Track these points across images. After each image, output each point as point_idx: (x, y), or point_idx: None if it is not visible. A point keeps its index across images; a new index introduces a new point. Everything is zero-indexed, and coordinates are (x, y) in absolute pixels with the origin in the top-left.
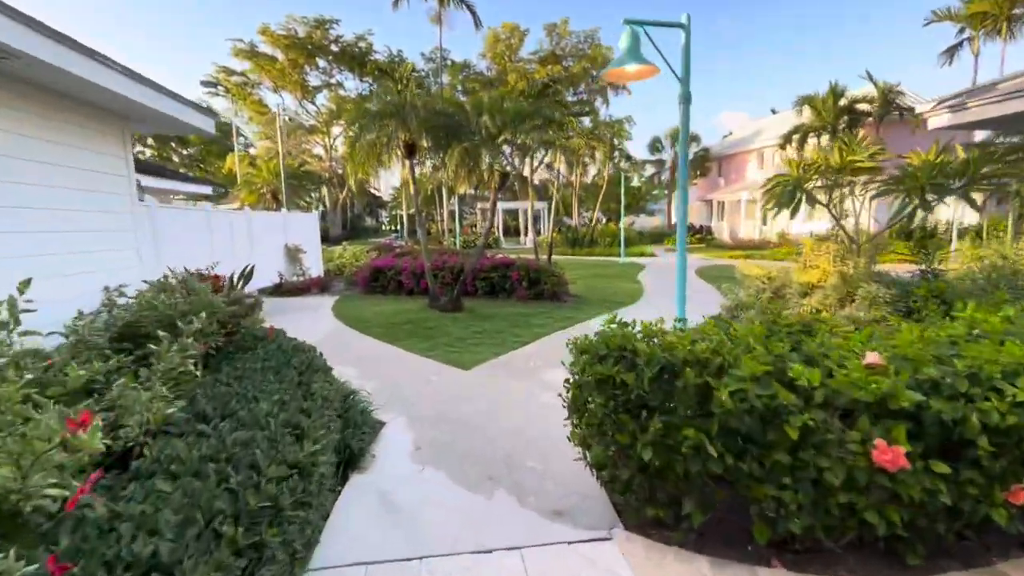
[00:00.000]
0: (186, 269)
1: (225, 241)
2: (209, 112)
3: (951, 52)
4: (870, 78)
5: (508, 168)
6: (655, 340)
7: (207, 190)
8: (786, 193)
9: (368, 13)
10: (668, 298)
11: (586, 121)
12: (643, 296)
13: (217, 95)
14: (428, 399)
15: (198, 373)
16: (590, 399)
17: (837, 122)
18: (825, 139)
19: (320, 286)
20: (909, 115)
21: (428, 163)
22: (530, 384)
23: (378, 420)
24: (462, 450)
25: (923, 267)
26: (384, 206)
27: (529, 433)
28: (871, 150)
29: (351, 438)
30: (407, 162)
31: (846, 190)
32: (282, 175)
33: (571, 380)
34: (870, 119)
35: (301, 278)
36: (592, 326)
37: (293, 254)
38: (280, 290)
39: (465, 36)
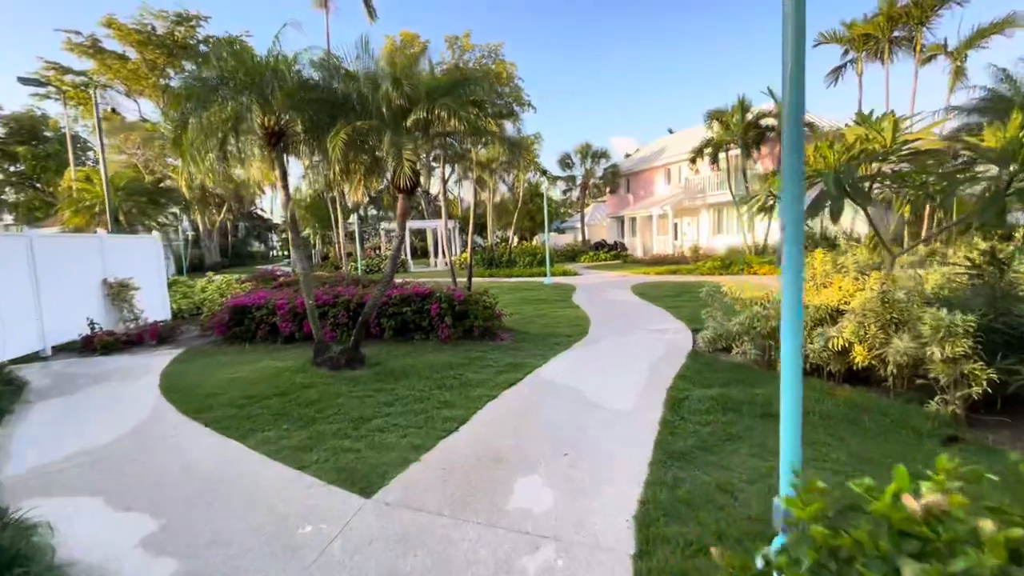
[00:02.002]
0: None
1: None
2: None
3: (836, 73)
4: (771, 95)
5: (429, 162)
6: None
7: None
8: (830, 190)
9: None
10: (620, 327)
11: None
12: (590, 326)
13: (48, 97)
14: None
15: None
16: None
17: (746, 136)
18: (734, 152)
19: (158, 336)
20: (809, 131)
21: (309, 158)
22: (496, 526)
23: None
24: None
25: (981, 277)
26: (275, 228)
27: None
28: (936, 122)
29: None
30: (271, 155)
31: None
32: (104, 184)
33: None
34: (773, 134)
35: (131, 325)
36: (547, 376)
37: (117, 293)
38: (91, 346)
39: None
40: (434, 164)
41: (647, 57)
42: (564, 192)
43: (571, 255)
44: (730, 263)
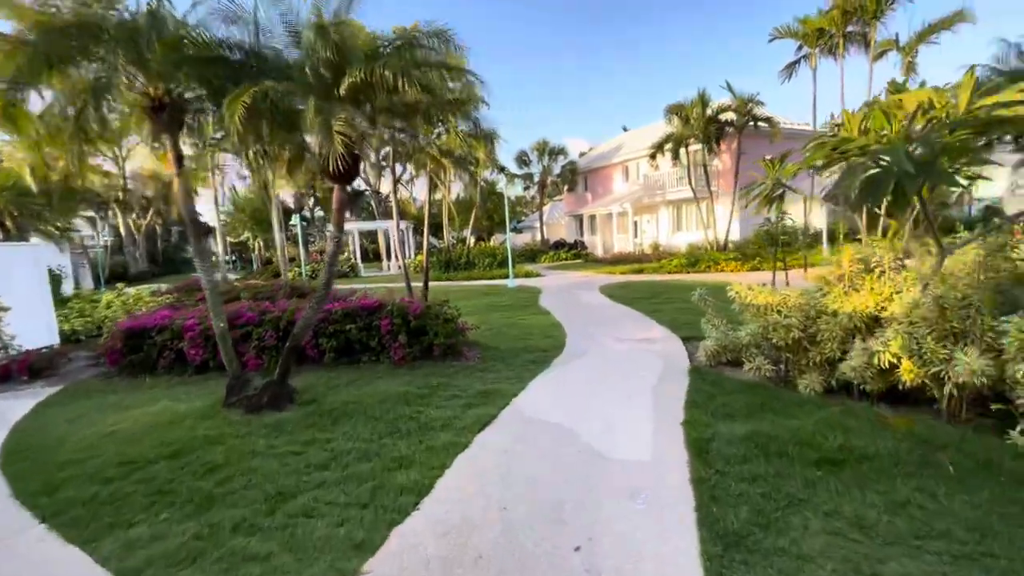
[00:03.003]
0: None
1: None
2: None
3: (791, 68)
4: (729, 89)
5: (380, 161)
6: None
7: None
8: (902, 166)
9: None
10: (600, 336)
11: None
12: (567, 336)
13: None
14: None
15: None
16: None
17: (707, 130)
18: (695, 148)
19: (30, 368)
20: (767, 125)
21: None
22: None
23: None
24: None
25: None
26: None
27: None
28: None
29: None
30: (157, 130)
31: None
32: None
33: None
34: (732, 129)
35: None
36: (529, 408)
37: None
38: None
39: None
40: (384, 164)
41: (597, 60)
42: (524, 189)
43: (531, 255)
44: (696, 260)
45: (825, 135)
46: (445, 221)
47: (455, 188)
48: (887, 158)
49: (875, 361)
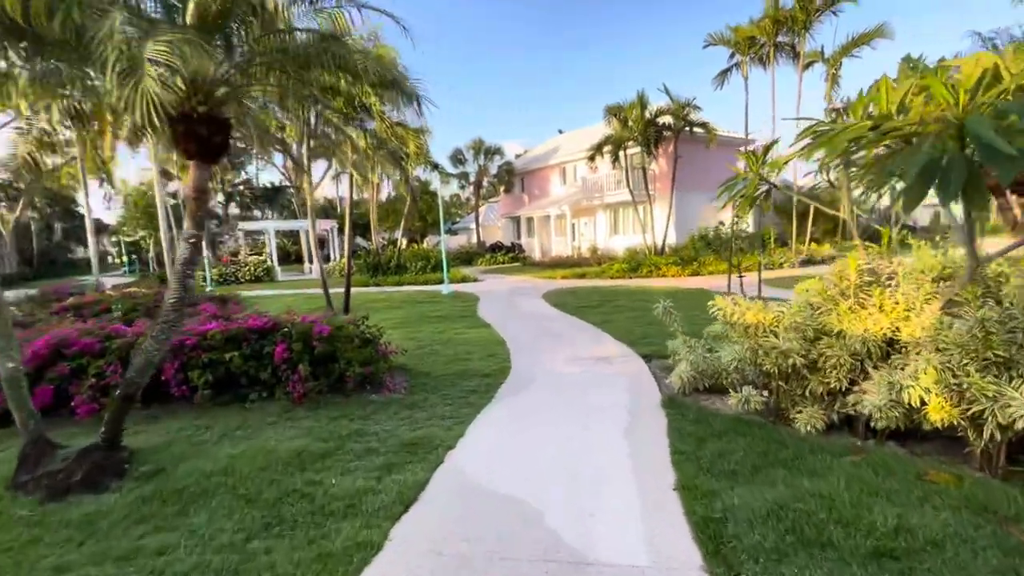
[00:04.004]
0: None
1: None
2: None
3: (723, 76)
4: (667, 92)
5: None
6: None
7: None
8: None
9: None
10: (549, 354)
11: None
12: (512, 355)
13: None
14: None
15: None
16: None
17: (646, 133)
18: (633, 151)
19: None
20: (703, 131)
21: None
22: None
23: None
24: None
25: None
26: (107, 230)
27: None
28: None
29: None
30: None
31: None
32: None
33: None
34: (669, 133)
35: None
36: (471, 469)
37: None
38: None
39: None
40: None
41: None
42: (460, 188)
43: (466, 258)
44: (638, 265)
45: (820, 123)
46: (373, 221)
47: (386, 186)
48: (979, 132)
49: (905, 397)
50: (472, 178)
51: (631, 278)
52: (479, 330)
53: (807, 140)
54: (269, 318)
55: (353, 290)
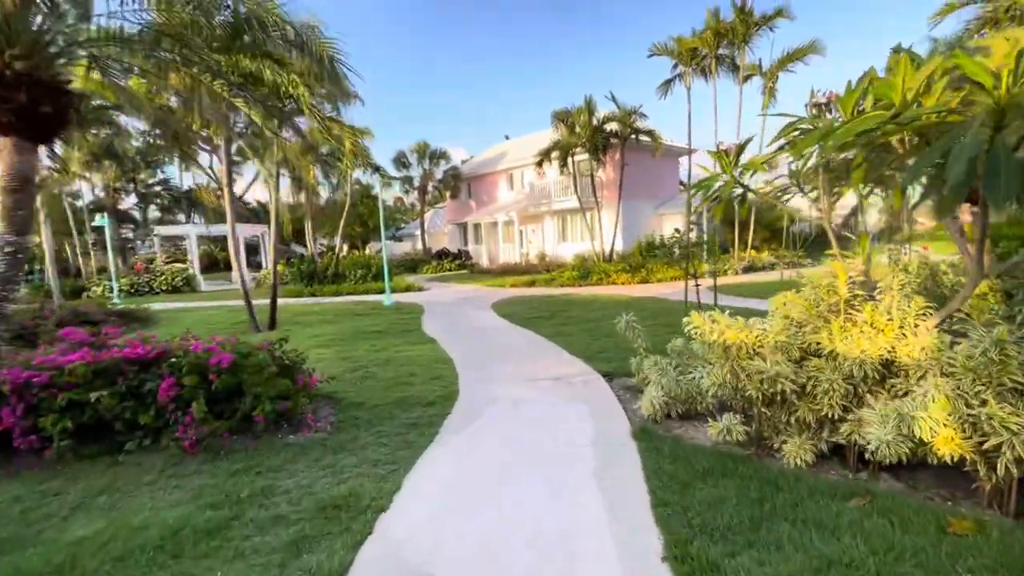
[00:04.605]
0: None
1: None
2: None
3: (667, 85)
4: (614, 100)
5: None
6: None
7: None
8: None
9: None
10: (502, 375)
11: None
12: (459, 377)
13: None
14: None
15: None
16: None
17: (594, 139)
18: (581, 158)
19: None
20: (649, 139)
21: None
22: None
23: None
24: None
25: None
26: None
27: None
28: None
29: None
30: None
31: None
32: None
33: None
34: (616, 140)
35: None
36: (405, 539)
37: None
38: None
39: None
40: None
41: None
42: (404, 192)
43: (411, 265)
44: (588, 272)
45: (802, 120)
46: (308, 225)
47: (325, 189)
48: None
49: (915, 430)
50: (417, 183)
51: (581, 286)
52: (423, 347)
53: (786, 137)
54: (153, 345)
55: (285, 301)
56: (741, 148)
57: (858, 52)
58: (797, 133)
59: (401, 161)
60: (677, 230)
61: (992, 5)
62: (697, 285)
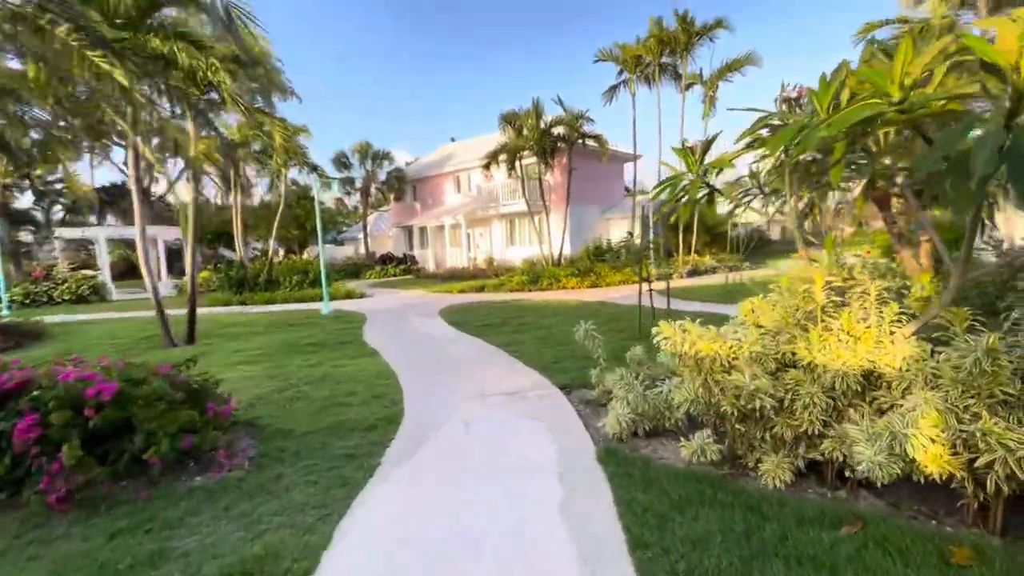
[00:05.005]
0: None
1: None
2: None
3: (612, 91)
4: (561, 104)
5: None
6: None
7: None
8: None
9: None
10: (451, 391)
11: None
12: (405, 394)
13: None
14: None
15: None
16: None
17: (542, 142)
18: (529, 162)
19: None
20: (596, 144)
21: None
22: None
23: None
24: None
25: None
26: None
27: None
28: None
29: None
30: None
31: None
32: None
33: None
34: (563, 144)
35: None
36: None
37: None
38: None
39: None
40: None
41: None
42: (346, 193)
43: (354, 270)
44: (537, 277)
45: (772, 115)
46: (238, 228)
47: (259, 189)
48: None
49: (908, 449)
50: (359, 184)
51: (531, 291)
52: (364, 360)
53: (752, 135)
54: (12, 373)
55: (210, 311)
56: (707, 145)
57: (789, 68)
58: (766, 130)
59: (342, 161)
60: (630, 233)
61: (906, 27)
62: (651, 290)
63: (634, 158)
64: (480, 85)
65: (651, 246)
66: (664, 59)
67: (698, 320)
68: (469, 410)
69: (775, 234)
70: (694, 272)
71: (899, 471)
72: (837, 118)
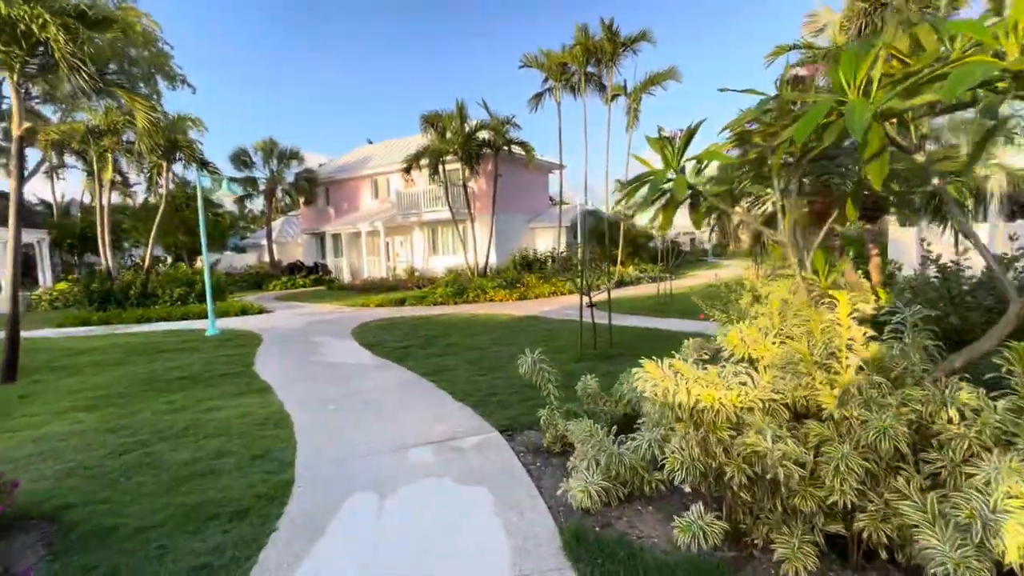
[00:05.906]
0: None
1: None
2: None
3: (538, 99)
4: (486, 108)
5: None
6: None
7: None
8: None
9: None
10: (362, 442)
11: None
12: (298, 449)
13: None
14: None
15: None
16: None
17: (467, 146)
18: (453, 166)
19: None
20: (522, 151)
21: None
22: None
23: None
24: None
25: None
26: None
27: None
28: None
29: None
30: None
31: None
32: None
33: None
34: (489, 150)
35: None
36: None
37: None
38: None
39: None
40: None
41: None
42: (247, 194)
43: (256, 281)
44: (463, 289)
45: (770, 97)
46: (103, 231)
47: (139, 187)
48: None
49: (997, 543)
50: (263, 186)
51: (457, 304)
52: (249, 399)
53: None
54: None
55: (60, 332)
56: (690, 134)
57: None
58: (772, 112)
59: (242, 159)
60: (569, 244)
61: (812, 52)
62: (592, 306)
63: (560, 167)
64: (402, 88)
65: (591, 255)
66: (590, 68)
67: (636, 334)
68: (386, 471)
69: (686, 246)
70: (620, 283)
71: (986, 571)
72: (948, 83)
